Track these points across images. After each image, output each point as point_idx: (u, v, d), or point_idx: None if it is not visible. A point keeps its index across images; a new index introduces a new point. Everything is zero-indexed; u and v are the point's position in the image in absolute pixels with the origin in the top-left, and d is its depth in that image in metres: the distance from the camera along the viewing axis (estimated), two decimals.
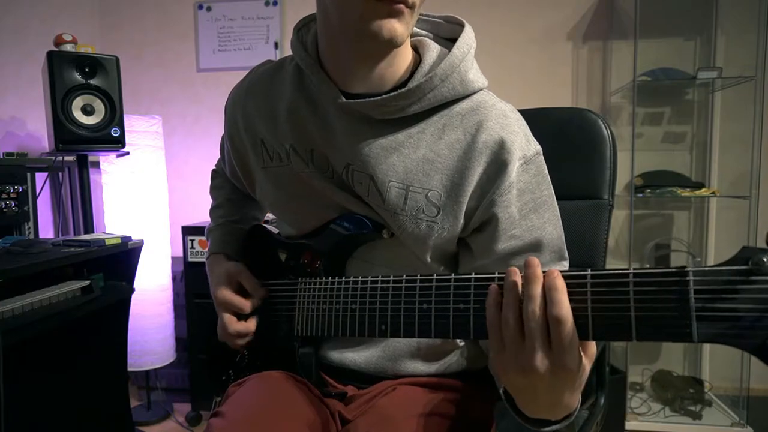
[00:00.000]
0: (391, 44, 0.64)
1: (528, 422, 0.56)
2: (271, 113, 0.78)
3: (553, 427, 0.55)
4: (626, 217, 2.18)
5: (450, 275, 0.57)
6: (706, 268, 0.41)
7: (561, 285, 0.47)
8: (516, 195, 0.68)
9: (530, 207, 0.69)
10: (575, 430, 0.85)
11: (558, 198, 0.73)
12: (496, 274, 0.53)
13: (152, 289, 2.09)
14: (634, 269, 0.45)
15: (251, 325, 0.81)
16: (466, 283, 0.55)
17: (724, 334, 0.40)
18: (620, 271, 0.45)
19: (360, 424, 0.71)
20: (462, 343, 0.79)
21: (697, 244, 2.28)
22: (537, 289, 0.48)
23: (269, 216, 1.87)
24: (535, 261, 0.49)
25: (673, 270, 0.42)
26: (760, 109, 2.00)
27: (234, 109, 0.83)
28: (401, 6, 0.62)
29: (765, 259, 0.38)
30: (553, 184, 0.73)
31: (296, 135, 0.75)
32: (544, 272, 0.49)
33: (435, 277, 0.58)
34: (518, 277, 0.50)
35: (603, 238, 0.95)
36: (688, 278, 0.42)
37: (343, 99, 0.69)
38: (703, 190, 2.08)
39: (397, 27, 0.63)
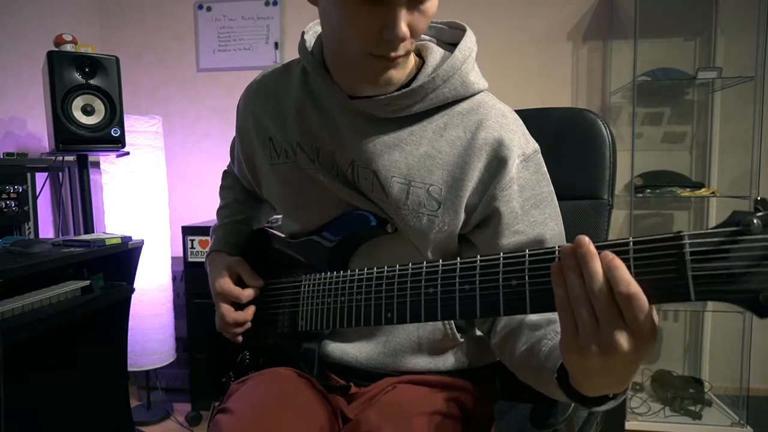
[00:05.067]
0: (387, 89, 0.69)
1: (585, 402, 0.54)
2: (279, 112, 0.80)
3: (610, 402, 0.53)
4: (626, 217, 2.18)
5: (455, 260, 0.58)
6: (700, 232, 0.43)
7: (620, 263, 0.45)
8: (517, 191, 0.70)
9: (531, 203, 0.71)
10: (575, 430, 0.85)
11: (558, 198, 0.74)
12: (501, 255, 0.54)
13: (152, 289, 2.09)
14: (633, 238, 0.46)
15: (248, 314, 0.83)
16: (472, 265, 0.56)
17: (719, 291, 0.42)
18: (620, 241, 0.47)
19: (367, 420, 0.72)
20: (462, 340, 0.80)
21: None
22: (597, 266, 0.45)
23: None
24: (586, 239, 0.46)
25: (670, 235, 0.45)
26: (760, 109, 2.00)
27: (245, 109, 0.86)
28: (398, 60, 0.65)
29: (754, 221, 0.41)
30: (553, 184, 0.74)
31: (303, 133, 0.77)
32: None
33: (441, 262, 0.59)
34: (575, 255, 0.46)
35: (603, 238, 0.96)
36: (683, 242, 0.44)
37: (349, 100, 0.72)
38: (703, 190, 2.08)
39: (393, 75, 0.67)
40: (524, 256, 0.52)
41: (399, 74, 0.67)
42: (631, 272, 0.45)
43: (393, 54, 0.64)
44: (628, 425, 1.99)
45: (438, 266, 0.59)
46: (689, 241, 0.43)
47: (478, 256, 0.56)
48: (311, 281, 0.76)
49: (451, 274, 0.57)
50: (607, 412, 0.94)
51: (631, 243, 0.46)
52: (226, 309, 0.83)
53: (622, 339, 0.44)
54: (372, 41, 0.62)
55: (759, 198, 0.42)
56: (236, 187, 1.01)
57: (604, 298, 0.45)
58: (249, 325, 0.83)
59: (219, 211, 1.00)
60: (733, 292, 0.42)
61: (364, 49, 0.64)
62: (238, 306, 0.84)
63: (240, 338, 0.85)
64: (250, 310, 0.83)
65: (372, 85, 0.68)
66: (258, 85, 0.85)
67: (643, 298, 0.44)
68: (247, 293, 0.83)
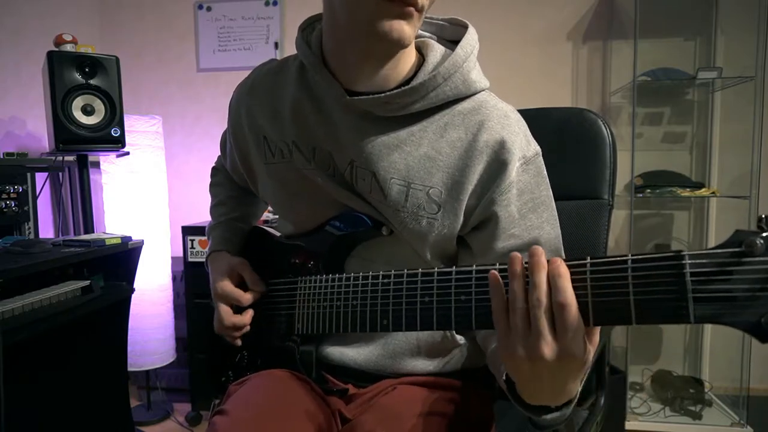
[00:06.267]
0: (398, 45, 0.65)
1: (528, 409, 0.56)
2: (274, 110, 0.78)
3: (554, 414, 0.55)
4: (626, 217, 2.18)
5: (451, 268, 0.57)
6: (701, 252, 0.42)
7: (565, 272, 0.48)
8: (516, 194, 0.69)
9: (529, 207, 0.70)
10: (575, 430, 0.85)
11: (558, 198, 0.74)
12: (497, 266, 0.53)
13: (152, 289, 2.09)
14: (632, 255, 0.45)
15: (246, 318, 0.82)
16: (467, 275, 0.55)
17: (720, 314, 0.42)
18: (618, 258, 0.46)
19: (364, 422, 0.72)
20: (462, 342, 0.80)
21: (697, 244, 2.28)
22: (542, 277, 0.48)
23: (269, 216, 1.87)
24: (540, 249, 0.49)
25: (670, 254, 0.44)
26: (760, 109, 2.00)
27: (238, 106, 0.84)
28: (411, 9, 0.63)
29: (757, 242, 0.40)
30: (553, 184, 0.74)
31: (299, 132, 0.76)
32: (547, 260, 0.49)
33: (436, 270, 0.58)
34: (522, 265, 0.50)
35: (603, 238, 0.95)
36: (684, 261, 0.43)
37: (347, 97, 0.70)
38: (703, 190, 2.08)
39: (406, 28, 0.64)
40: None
41: (410, 31, 0.64)
42: (629, 290, 0.45)
43: None
44: (628, 425, 1.99)
45: (434, 274, 0.58)
46: (690, 261, 0.42)
47: (474, 266, 0.55)
48: (307, 283, 0.75)
49: (447, 284, 0.57)
50: (607, 412, 0.94)
51: (630, 260, 0.45)
52: (225, 311, 0.82)
53: (547, 347, 0.47)
54: None
55: (763, 216, 0.41)
56: (228, 184, 1.00)
57: (541, 306, 0.48)
58: (248, 329, 0.83)
59: (213, 210, 0.98)
60: (734, 316, 0.41)
61: None
62: (238, 309, 0.83)
63: (239, 341, 0.84)
64: (249, 314, 0.82)
65: (380, 40, 0.64)
66: (252, 82, 0.83)
67: (575, 311, 0.47)
68: (248, 297, 0.82)
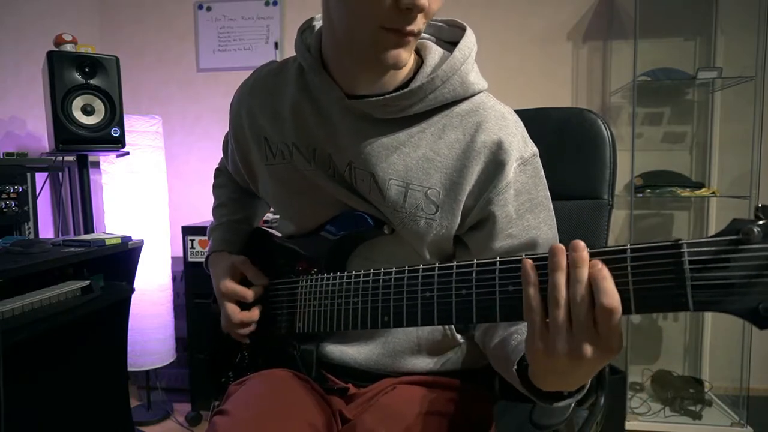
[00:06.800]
0: (395, 68, 0.67)
1: (540, 396, 0.56)
2: (274, 112, 0.79)
3: (568, 401, 0.55)
4: (626, 217, 2.18)
5: (452, 263, 0.57)
6: (699, 240, 0.43)
7: (608, 274, 0.45)
8: (513, 195, 0.69)
9: (526, 207, 0.70)
10: (575, 430, 0.85)
11: (558, 198, 0.74)
12: (498, 259, 0.53)
13: (152, 289, 2.09)
14: (630, 245, 0.46)
15: (255, 314, 0.82)
16: (468, 269, 0.55)
17: (718, 301, 0.42)
18: (617, 248, 0.46)
19: (364, 422, 0.72)
20: (462, 340, 0.80)
21: None
22: (585, 273, 0.46)
23: (269, 216, 1.87)
24: (582, 244, 0.47)
25: (668, 243, 0.44)
26: (760, 109, 2.00)
27: (239, 107, 0.84)
28: (410, 37, 0.63)
29: (754, 230, 0.40)
30: (552, 184, 0.74)
31: (299, 133, 0.76)
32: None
33: (437, 265, 0.58)
34: (565, 258, 0.47)
35: (603, 238, 0.96)
36: (682, 250, 0.43)
37: (347, 100, 0.70)
38: (703, 190, 2.08)
39: (403, 54, 0.65)
40: (520, 260, 0.51)
41: (406, 56, 0.65)
42: (628, 279, 0.45)
43: (407, 27, 0.62)
44: (628, 425, 1.99)
45: (434, 270, 0.58)
46: (688, 250, 0.43)
47: (475, 260, 0.55)
48: (308, 282, 0.75)
49: (448, 278, 0.57)
50: (607, 412, 0.94)
51: (629, 250, 0.45)
52: (232, 309, 0.82)
53: (590, 347, 0.46)
54: (387, 12, 0.60)
55: (759, 205, 0.41)
56: (230, 186, 1.00)
57: (584, 305, 0.46)
58: (254, 326, 0.82)
59: (215, 210, 0.99)
60: (732, 303, 0.41)
61: (378, 22, 0.61)
62: (244, 306, 0.83)
63: (247, 339, 0.84)
64: (256, 311, 0.82)
65: (378, 63, 0.65)
66: (253, 83, 0.83)
67: (620, 313, 0.45)
68: (252, 293, 0.82)
